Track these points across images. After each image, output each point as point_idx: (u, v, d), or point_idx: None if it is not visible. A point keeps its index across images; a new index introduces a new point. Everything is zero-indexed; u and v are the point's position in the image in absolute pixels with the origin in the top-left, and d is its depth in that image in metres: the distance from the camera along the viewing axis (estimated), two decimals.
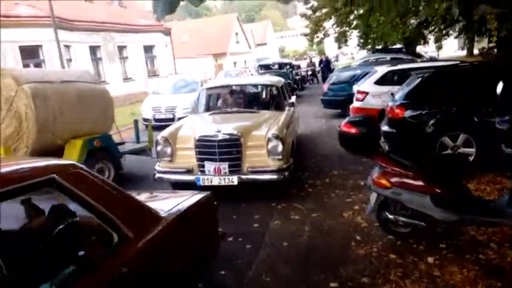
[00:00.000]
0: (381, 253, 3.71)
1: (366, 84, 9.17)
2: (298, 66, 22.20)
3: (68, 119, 5.69)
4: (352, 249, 3.81)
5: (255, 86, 7.26)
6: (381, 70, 9.22)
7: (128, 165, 7.05)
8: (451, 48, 36.02)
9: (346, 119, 4.02)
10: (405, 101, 6.48)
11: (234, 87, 7.00)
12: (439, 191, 3.56)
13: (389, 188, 3.69)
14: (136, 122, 7.46)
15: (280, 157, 5.18)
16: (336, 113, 12.30)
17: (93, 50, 22.03)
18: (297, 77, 19.37)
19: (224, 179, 5.14)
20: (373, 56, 18.90)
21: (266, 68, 18.33)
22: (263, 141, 5.22)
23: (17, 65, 17.07)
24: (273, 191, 5.45)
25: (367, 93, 9.00)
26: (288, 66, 17.83)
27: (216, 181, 5.15)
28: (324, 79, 19.53)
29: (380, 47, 24.73)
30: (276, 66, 18.63)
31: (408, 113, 6.36)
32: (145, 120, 12.02)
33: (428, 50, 32.52)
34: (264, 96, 7.01)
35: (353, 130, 3.78)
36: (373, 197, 3.91)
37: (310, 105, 15.11)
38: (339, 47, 24.08)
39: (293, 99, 8.28)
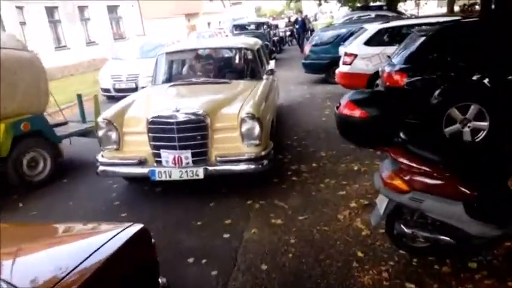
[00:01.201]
0: (394, 281, 2.74)
1: (354, 45, 8.02)
2: (276, 26, 20.70)
3: None
4: (354, 275, 2.81)
5: (226, 50, 5.99)
6: (372, 28, 8.05)
7: (73, 149, 5.83)
8: (430, 6, 34.78)
9: (348, 96, 2.92)
10: (406, 66, 5.41)
11: (200, 52, 5.74)
12: (474, 195, 2.57)
13: (407, 192, 2.67)
14: (80, 96, 6.15)
15: (257, 142, 4.09)
16: (319, 78, 11.16)
17: (50, 11, 19.86)
18: (275, 38, 17.95)
19: (186, 171, 4.04)
20: (356, 14, 17.61)
21: (241, 28, 16.81)
22: (235, 121, 4.10)
23: None
24: (249, 184, 4.40)
25: (355, 55, 7.86)
26: (265, 26, 16.38)
27: (176, 175, 4.05)
28: (300, 42, 18.17)
29: (360, 4, 23.36)
30: (252, 27, 17.12)
31: (409, 80, 5.32)
32: (104, 90, 10.60)
33: (408, 8, 31.28)
34: (237, 62, 5.78)
35: (358, 113, 2.69)
36: (382, 202, 2.89)
37: (290, 69, 13.87)
38: (319, 4, 22.56)
39: (272, 64, 7.09)
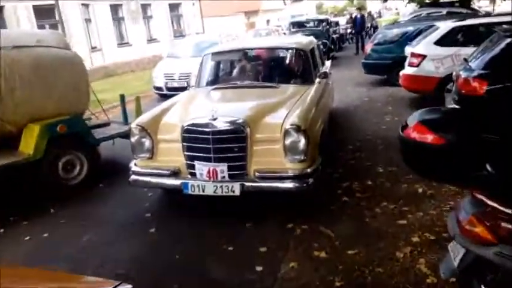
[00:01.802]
0: None
1: (423, 45, 7.14)
2: (337, 23, 19.76)
3: (22, 96, 4.27)
4: None
5: (276, 50, 5.48)
6: (444, 26, 7.11)
7: (115, 151, 5.64)
8: (507, 4, 31.59)
9: (418, 116, 2.31)
10: (486, 71, 4.57)
11: (247, 53, 5.28)
12: None
13: (493, 244, 2.01)
14: (123, 97, 5.95)
15: (301, 157, 3.54)
16: (380, 79, 10.29)
17: (115, 8, 20.54)
18: (335, 36, 17.08)
19: (222, 186, 3.59)
20: (424, 10, 16.26)
21: (299, 25, 16.16)
22: (278, 133, 3.58)
23: (32, 27, 15.94)
24: (291, 203, 3.87)
25: (424, 56, 6.99)
26: (324, 24, 15.61)
27: (210, 189, 3.62)
28: (357, 41, 16.99)
29: (429, 1, 21.65)
30: (311, 24, 16.41)
31: (490, 88, 4.48)
32: (157, 89, 10.54)
33: (482, 4, 28.66)
34: (287, 64, 5.24)
35: (431, 138, 2.09)
36: (457, 252, 2.23)
37: (348, 68, 13.04)
38: (384, 1, 21.25)
39: (327, 65, 6.49)
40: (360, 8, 31.16)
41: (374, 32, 24.77)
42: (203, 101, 4.35)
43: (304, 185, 3.54)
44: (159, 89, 10.47)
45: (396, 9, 39.40)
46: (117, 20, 20.81)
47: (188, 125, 3.67)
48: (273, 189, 3.59)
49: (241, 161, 3.61)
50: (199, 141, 3.63)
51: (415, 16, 14.42)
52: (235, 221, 3.71)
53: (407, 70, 7.31)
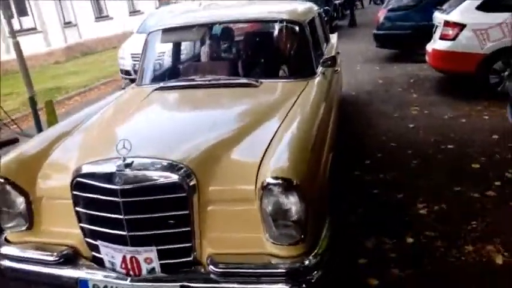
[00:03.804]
0: None
1: (461, 11, 5.28)
2: None
3: None
4: None
5: (258, 24, 3.59)
6: None
7: None
8: None
9: None
10: None
11: (214, 29, 3.46)
12: None
13: None
14: (33, 101, 4.19)
15: (296, 234, 1.84)
16: (395, 54, 8.45)
17: None
18: (337, 1, 15.01)
19: None
20: None
21: None
22: (251, 184, 1.87)
23: None
24: None
25: (462, 26, 5.16)
26: None
27: None
28: (348, 14, 14.83)
29: None
30: None
31: None
32: (124, 73, 8.70)
33: None
34: (274, 45, 3.38)
35: None
36: None
37: (355, 41, 11.13)
38: None
39: (333, 43, 4.73)
40: None
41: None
42: (129, 116, 2.60)
43: (303, 285, 1.86)
44: (127, 73, 8.61)
45: None
46: None
47: (80, 175, 1.96)
48: None
49: (184, 241, 1.92)
50: (102, 207, 1.93)
51: None
52: None
53: (439, 44, 5.48)
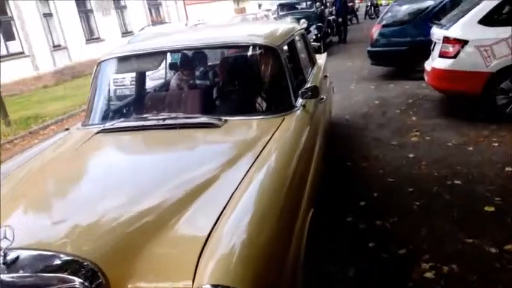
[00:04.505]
0: None
1: (462, 26, 4.78)
2: (333, 3, 17.23)
3: None
4: None
5: (223, 49, 3.06)
6: None
7: None
8: None
9: None
10: None
11: (173, 57, 2.96)
12: None
13: None
14: None
15: None
16: (391, 72, 7.97)
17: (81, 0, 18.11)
18: (331, 18, 14.65)
19: None
20: None
21: (289, 7, 13.69)
22: (188, 279, 1.31)
23: None
24: None
25: (464, 42, 4.65)
26: (317, 4, 13.18)
27: None
28: (339, 30, 14.43)
29: None
30: (303, 5, 13.97)
31: None
32: None
33: None
34: (243, 75, 2.86)
35: None
36: None
37: (350, 57, 10.70)
38: None
39: (321, 64, 4.24)
40: None
41: (375, 12, 22.35)
42: (47, 175, 2.04)
43: None
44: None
45: None
46: (85, 12, 18.40)
47: None
48: None
49: None
50: None
51: None
52: None
53: (439, 63, 4.97)
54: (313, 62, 4.11)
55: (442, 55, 4.86)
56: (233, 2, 34.48)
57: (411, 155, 4.15)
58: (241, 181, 1.73)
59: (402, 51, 7.16)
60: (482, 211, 2.96)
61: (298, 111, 2.57)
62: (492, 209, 2.96)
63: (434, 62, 5.06)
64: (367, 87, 7.39)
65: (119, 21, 20.37)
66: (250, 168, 1.85)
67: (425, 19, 6.84)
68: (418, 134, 4.69)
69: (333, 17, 14.54)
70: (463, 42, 4.66)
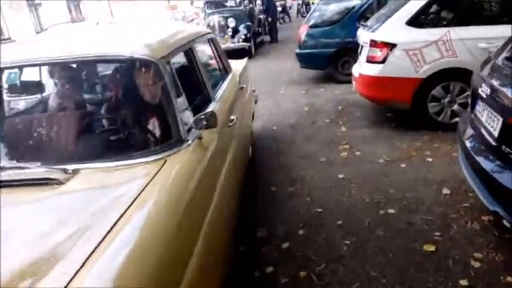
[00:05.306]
0: None
1: (389, 27, 4.39)
2: (262, 1, 16.80)
3: None
4: None
5: (81, 66, 2.25)
6: None
7: None
8: None
9: None
10: None
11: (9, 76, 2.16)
12: None
13: None
14: None
15: None
16: (321, 74, 7.59)
17: None
18: (262, 16, 14.18)
19: None
20: None
21: (216, 5, 12.97)
22: None
23: None
24: None
25: (392, 45, 4.27)
26: (246, 2, 12.62)
27: None
28: (270, 29, 13.96)
29: None
30: (231, 3, 13.35)
31: None
32: None
33: None
34: (107, 102, 2.08)
35: None
36: None
37: (280, 59, 10.27)
38: None
39: (234, 79, 3.62)
40: None
41: (306, 10, 22.32)
42: None
43: None
44: None
45: None
46: None
47: None
48: None
49: None
50: None
51: None
52: None
53: (366, 69, 4.56)
54: (226, 72, 3.47)
55: (370, 60, 4.46)
56: None
57: (340, 176, 3.66)
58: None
59: (331, 54, 6.79)
60: (421, 251, 2.50)
61: (190, 147, 1.91)
62: (432, 248, 2.51)
63: (362, 68, 4.65)
64: (297, 91, 6.92)
65: (33, 20, 18.47)
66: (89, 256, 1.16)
67: (351, 18, 6.51)
68: (348, 148, 4.24)
69: (264, 15, 14.07)
70: (391, 46, 4.28)
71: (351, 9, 6.72)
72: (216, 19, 10.91)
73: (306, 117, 5.51)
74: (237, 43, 10.77)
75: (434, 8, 4.39)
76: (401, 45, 4.23)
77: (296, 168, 3.97)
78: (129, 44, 2.13)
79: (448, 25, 4.14)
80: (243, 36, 10.82)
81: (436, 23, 4.27)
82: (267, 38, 14.28)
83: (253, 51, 11.27)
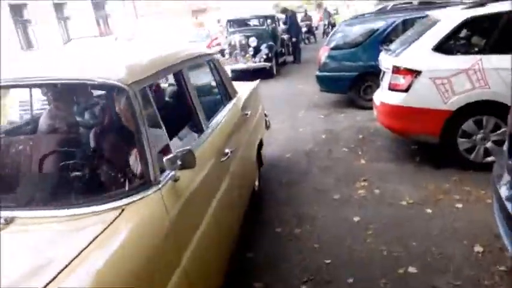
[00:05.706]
0: None
1: (414, 53, 3.97)
2: (285, 21, 16.60)
3: None
4: None
5: (52, 87, 1.99)
6: (450, 18, 3.94)
7: None
8: None
9: None
10: None
11: None
12: None
13: None
14: None
15: None
16: (344, 99, 7.16)
17: (19, 9, 16.56)
18: (285, 36, 13.92)
19: None
20: (390, 1, 13.38)
21: (239, 24, 12.79)
22: None
23: None
24: None
25: (417, 72, 3.84)
26: (269, 21, 12.39)
27: None
28: (294, 50, 13.45)
29: None
30: (255, 22, 13.15)
31: None
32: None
33: None
34: (71, 130, 1.76)
35: None
36: None
37: (303, 80, 9.86)
38: None
39: (237, 105, 3.30)
40: (320, 5, 28.19)
41: (331, 30, 21.94)
42: None
43: None
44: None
45: (353, 5, 36.72)
46: (22, 22, 16.86)
47: None
48: None
49: None
50: None
51: (379, 9, 11.51)
52: None
53: (388, 97, 4.12)
54: (228, 97, 3.12)
55: (392, 88, 4.03)
56: (192, 16, 33.43)
57: (356, 218, 3.22)
58: None
59: (352, 77, 6.39)
60: None
61: (160, 192, 1.55)
62: None
63: (383, 96, 4.22)
64: (316, 116, 6.52)
65: (61, 32, 18.85)
66: None
67: (375, 41, 6.11)
68: (366, 185, 3.79)
69: (287, 35, 13.80)
70: (416, 73, 3.84)
71: (375, 31, 6.31)
72: (237, 38, 10.71)
73: (323, 145, 5.09)
74: (258, 63, 10.52)
75: (464, 32, 3.95)
76: (427, 72, 3.79)
77: (307, 204, 3.56)
78: (102, 67, 1.80)
79: (480, 52, 3.69)
80: (265, 56, 10.56)
81: (467, 49, 3.83)
82: (290, 58, 13.97)
83: (274, 71, 10.98)
